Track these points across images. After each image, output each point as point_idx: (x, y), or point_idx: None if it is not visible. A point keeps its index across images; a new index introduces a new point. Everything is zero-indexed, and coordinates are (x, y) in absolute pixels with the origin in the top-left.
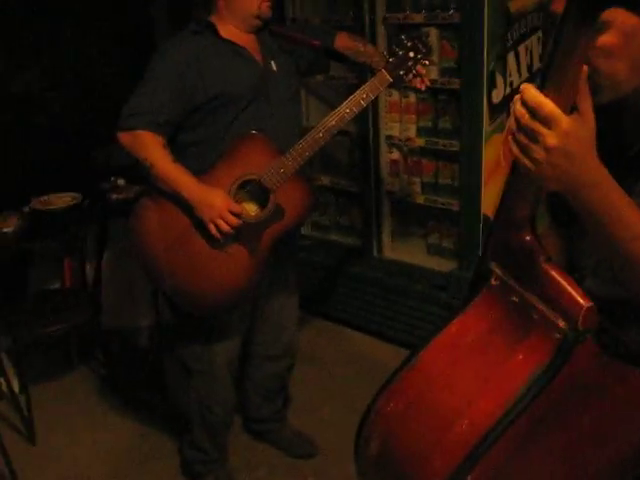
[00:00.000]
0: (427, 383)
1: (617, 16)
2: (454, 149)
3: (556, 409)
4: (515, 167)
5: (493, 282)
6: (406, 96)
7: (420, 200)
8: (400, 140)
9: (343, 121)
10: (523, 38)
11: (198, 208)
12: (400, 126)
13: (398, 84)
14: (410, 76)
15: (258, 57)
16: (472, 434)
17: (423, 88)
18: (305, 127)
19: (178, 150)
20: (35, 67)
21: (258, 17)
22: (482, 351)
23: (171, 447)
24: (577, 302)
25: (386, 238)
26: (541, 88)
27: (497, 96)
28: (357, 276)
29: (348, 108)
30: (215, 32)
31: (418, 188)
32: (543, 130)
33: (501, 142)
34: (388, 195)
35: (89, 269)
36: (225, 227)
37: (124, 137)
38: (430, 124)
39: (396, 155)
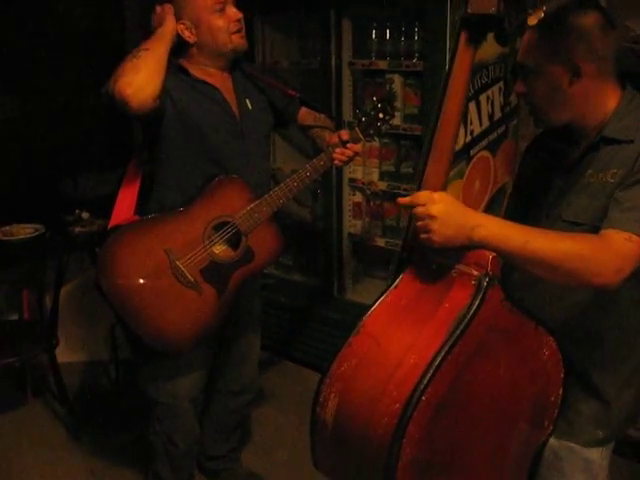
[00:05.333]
0: (372, 341)
1: (541, 64)
2: None
3: (483, 345)
4: None
5: (414, 258)
6: (369, 141)
7: (381, 243)
8: (363, 183)
9: (317, 172)
10: (484, 88)
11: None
12: (363, 170)
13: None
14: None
15: (231, 96)
16: (419, 364)
17: None
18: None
19: (158, 183)
20: (4, 96)
21: (234, 50)
22: (415, 309)
23: None
24: (485, 253)
25: (348, 279)
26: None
27: (457, 144)
28: (318, 317)
29: (322, 161)
30: (187, 73)
31: (379, 231)
32: (425, 208)
33: (460, 189)
34: (350, 237)
35: (47, 301)
36: None
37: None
38: (392, 169)
39: (359, 198)
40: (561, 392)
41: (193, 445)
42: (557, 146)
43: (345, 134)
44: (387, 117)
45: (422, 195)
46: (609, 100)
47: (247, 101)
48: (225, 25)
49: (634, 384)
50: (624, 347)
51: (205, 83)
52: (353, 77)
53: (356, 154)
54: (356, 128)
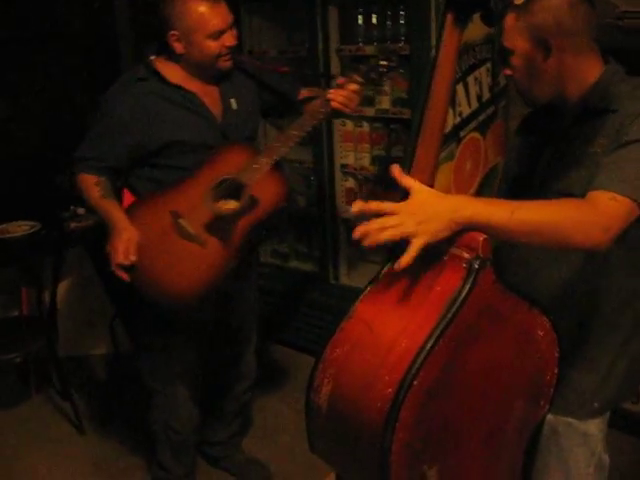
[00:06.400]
0: (365, 325)
1: (517, 44)
2: None
3: (475, 328)
4: None
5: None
6: (360, 125)
7: None
8: (355, 169)
9: (316, 118)
10: (472, 69)
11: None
12: (354, 155)
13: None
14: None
15: (212, 98)
16: (411, 348)
17: None
18: None
19: (141, 180)
20: None
21: (219, 71)
22: (407, 293)
23: (126, 477)
24: (475, 236)
25: (343, 265)
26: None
27: (446, 126)
28: (315, 303)
29: (319, 106)
30: (162, 79)
31: (373, 216)
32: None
33: (451, 171)
34: (344, 222)
35: (46, 297)
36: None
37: (76, 180)
38: (384, 153)
39: (351, 183)
40: (556, 371)
41: (193, 431)
42: (545, 123)
43: (342, 79)
44: (392, 64)
45: (410, 184)
46: (590, 73)
47: (232, 101)
48: (217, 50)
49: (627, 353)
50: (615, 316)
51: (180, 88)
52: (341, 63)
53: (354, 95)
54: (355, 75)
